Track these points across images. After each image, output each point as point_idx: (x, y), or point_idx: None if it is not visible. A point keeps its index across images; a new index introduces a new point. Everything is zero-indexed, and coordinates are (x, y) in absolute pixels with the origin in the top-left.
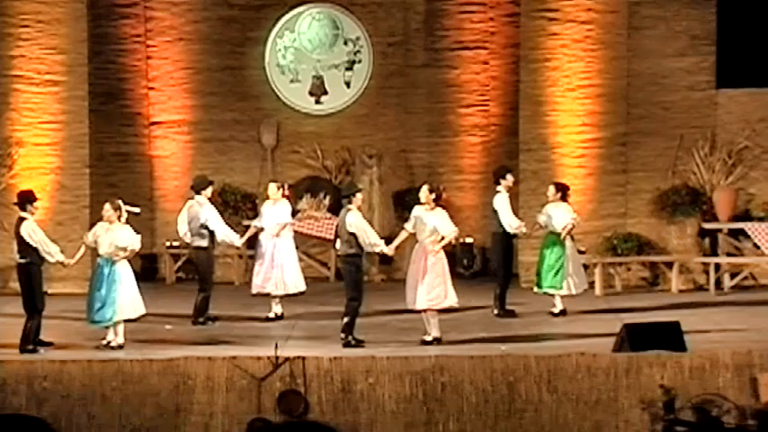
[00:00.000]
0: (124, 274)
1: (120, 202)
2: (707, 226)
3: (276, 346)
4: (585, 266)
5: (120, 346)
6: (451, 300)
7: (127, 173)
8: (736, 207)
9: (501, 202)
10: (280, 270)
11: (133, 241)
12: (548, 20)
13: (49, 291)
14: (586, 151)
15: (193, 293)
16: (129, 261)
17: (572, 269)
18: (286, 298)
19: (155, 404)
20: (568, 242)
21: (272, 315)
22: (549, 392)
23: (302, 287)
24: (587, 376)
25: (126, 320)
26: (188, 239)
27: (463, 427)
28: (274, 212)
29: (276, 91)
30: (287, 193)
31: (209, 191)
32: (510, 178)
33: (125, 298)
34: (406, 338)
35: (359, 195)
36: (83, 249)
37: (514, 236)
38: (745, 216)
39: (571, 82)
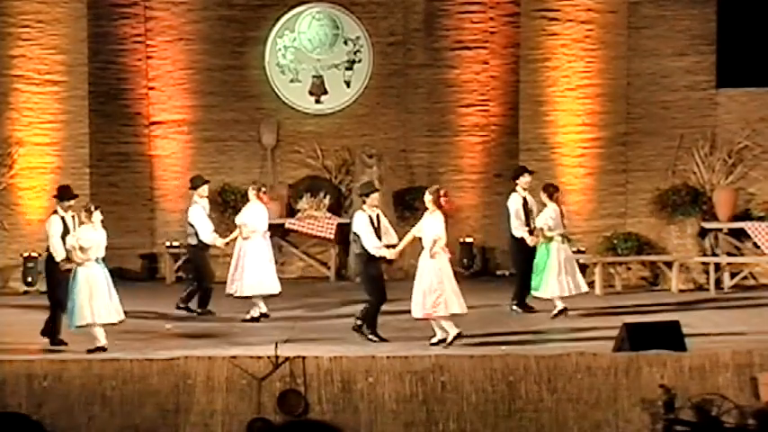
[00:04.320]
0: (87, 278)
1: (91, 205)
2: (707, 226)
3: (276, 346)
4: (585, 266)
5: (102, 348)
6: (451, 308)
7: (127, 173)
8: (736, 207)
9: (512, 203)
10: (241, 273)
11: (86, 240)
12: (548, 20)
13: None
14: (586, 151)
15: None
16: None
17: (561, 272)
18: (284, 297)
19: (155, 404)
20: (554, 244)
21: (247, 317)
22: (549, 392)
23: (262, 290)
24: (587, 376)
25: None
26: None
27: (463, 426)
28: (245, 214)
29: (276, 91)
30: (262, 195)
31: (202, 189)
32: (523, 180)
33: (92, 302)
34: (406, 338)
35: (372, 196)
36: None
37: (528, 233)
38: (745, 216)
39: (571, 82)
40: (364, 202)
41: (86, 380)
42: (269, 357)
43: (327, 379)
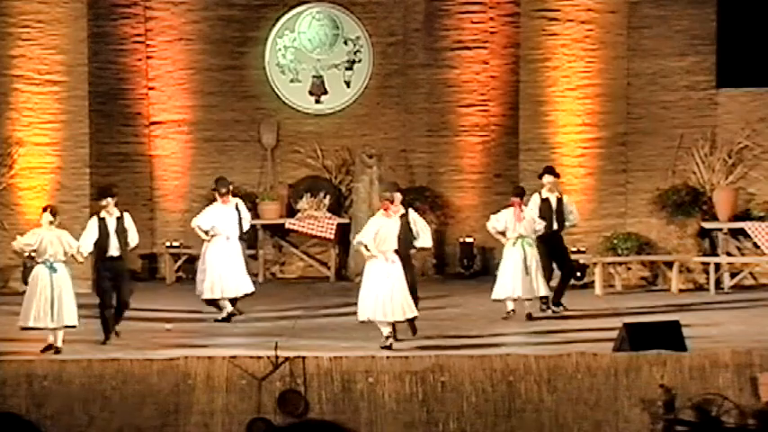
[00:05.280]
0: (31, 280)
1: (49, 206)
2: (707, 226)
3: (276, 346)
4: (585, 266)
5: (49, 347)
6: (364, 313)
7: (127, 173)
8: (736, 207)
9: (531, 201)
10: (203, 275)
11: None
12: (548, 20)
13: None
14: (586, 151)
15: (193, 293)
16: (43, 266)
17: (510, 274)
18: (284, 297)
19: (155, 404)
20: (507, 247)
21: (219, 317)
22: (549, 392)
23: (224, 293)
24: (587, 376)
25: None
26: None
27: (463, 426)
28: (202, 217)
29: (276, 91)
30: (221, 196)
31: (221, 189)
32: (544, 179)
33: (27, 303)
34: (405, 338)
35: (389, 195)
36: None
37: (553, 234)
38: (745, 216)
39: (571, 82)
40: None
41: (86, 380)
42: (269, 357)
43: (327, 379)
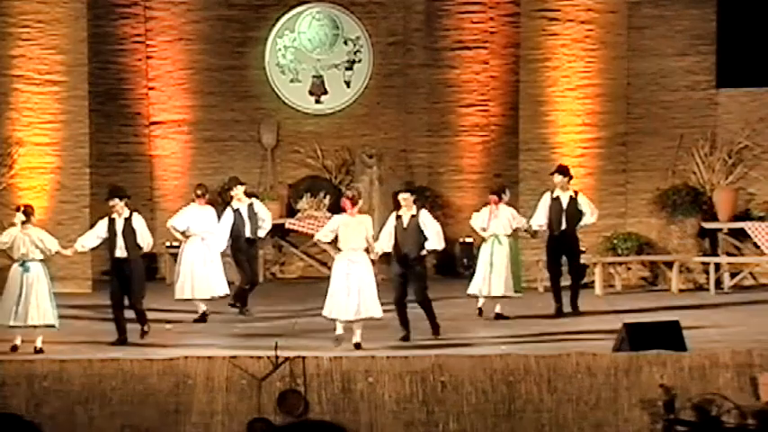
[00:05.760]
0: (7, 279)
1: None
2: (707, 226)
3: (276, 346)
4: (585, 266)
5: (13, 347)
6: (324, 310)
7: (127, 173)
8: (736, 207)
9: (541, 200)
10: (177, 276)
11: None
12: (548, 20)
13: None
14: (586, 151)
15: None
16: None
17: (481, 272)
18: (285, 297)
19: (155, 404)
20: (483, 245)
21: (197, 317)
22: (549, 392)
23: (182, 295)
24: (587, 376)
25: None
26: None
27: (463, 427)
28: (177, 218)
29: (276, 91)
30: (200, 198)
31: (234, 191)
32: (554, 179)
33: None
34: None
35: (399, 197)
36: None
37: (562, 233)
38: (745, 216)
39: (571, 82)
40: None
41: (86, 380)
42: (269, 357)
43: (327, 379)
